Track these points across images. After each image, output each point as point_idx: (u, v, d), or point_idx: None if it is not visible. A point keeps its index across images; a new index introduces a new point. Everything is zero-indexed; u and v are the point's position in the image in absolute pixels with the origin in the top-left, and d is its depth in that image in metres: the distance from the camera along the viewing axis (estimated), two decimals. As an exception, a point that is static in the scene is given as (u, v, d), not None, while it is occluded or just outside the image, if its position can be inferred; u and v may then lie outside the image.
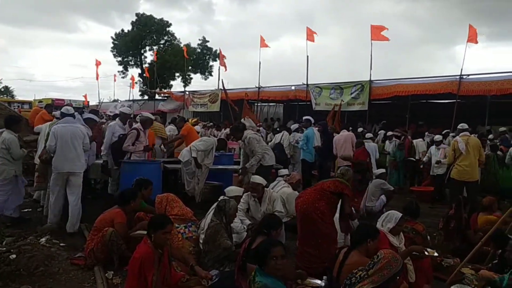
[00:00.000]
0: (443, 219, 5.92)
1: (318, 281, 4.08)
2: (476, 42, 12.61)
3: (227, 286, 3.88)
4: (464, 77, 12.34)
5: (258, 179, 6.14)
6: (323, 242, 4.74)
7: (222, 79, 16.70)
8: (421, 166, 10.50)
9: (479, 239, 5.18)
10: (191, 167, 7.40)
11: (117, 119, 8.16)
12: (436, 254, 4.62)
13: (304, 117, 10.34)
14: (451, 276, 4.69)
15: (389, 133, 11.81)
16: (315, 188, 4.90)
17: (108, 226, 4.68)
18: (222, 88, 15.58)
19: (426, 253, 4.51)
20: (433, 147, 9.79)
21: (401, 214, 4.75)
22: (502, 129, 12.39)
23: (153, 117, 8.20)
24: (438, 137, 10.02)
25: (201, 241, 4.71)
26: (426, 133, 12.78)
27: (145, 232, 4.40)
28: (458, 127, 8.28)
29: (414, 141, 11.42)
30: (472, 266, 4.87)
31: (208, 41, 38.89)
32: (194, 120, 14.52)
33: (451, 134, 10.92)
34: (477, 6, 57.69)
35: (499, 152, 9.86)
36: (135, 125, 7.77)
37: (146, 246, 3.66)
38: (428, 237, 5.34)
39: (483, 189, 9.66)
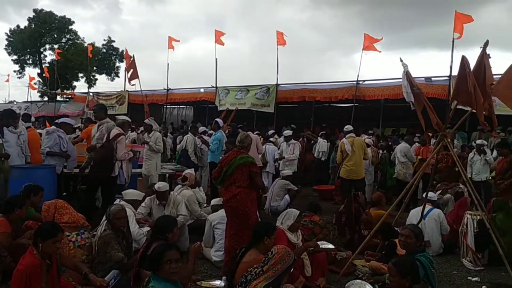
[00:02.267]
0: (335, 215, 6.31)
1: (217, 282, 4.12)
2: (375, 50, 13.53)
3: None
4: (360, 82, 13.22)
5: (163, 187, 5.96)
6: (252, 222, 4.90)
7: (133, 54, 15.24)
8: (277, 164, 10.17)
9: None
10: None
11: None
12: (331, 246, 4.90)
13: (215, 120, 10.27)
14: (344, 268, 4.99)
15: (286, 132, 10.95)
16: (237, 185, 4.94)
17: (-11, 237, 4.26)
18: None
19: (322, 247, 4.78)
20: (284, 143, 9.52)
21: (299, 212, 4.98)
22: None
23: (129, 120, 7.60)
24: (287, 133, 9.76)
25: (96, 248, 4.49)
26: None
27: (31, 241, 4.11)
28: (344, 129, 8.68)
29: (319, 139, 11.91)
30: (365, 256, 5.25)
31: (114, 41, 37.23)
32: None
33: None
34: (373, 16, 62.35)
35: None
36: (116, 129, 6.87)
37: (32, 256, 3.40)
38: (326, 224, 5.70)
39: (380, 186, 10.48)
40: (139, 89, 14.68)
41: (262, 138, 11.12)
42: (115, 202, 4.94)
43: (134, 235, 4.92)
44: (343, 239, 6.07)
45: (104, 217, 4.82)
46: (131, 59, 14.53)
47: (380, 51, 13.47)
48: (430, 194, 5.96)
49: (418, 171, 5.92)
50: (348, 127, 8.51)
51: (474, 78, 4.59)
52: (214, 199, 6.19)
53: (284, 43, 14.85)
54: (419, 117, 5.55)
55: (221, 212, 5.55)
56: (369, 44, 13.56)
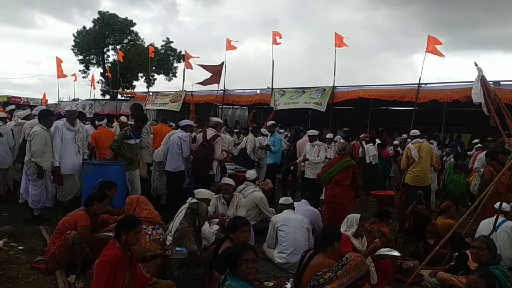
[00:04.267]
0: (399, 223, 6.17)
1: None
2: (438, 53, 12.98)
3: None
4: (422, 85, 12.77)
5: (228, 180, 6.18)
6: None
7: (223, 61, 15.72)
8: (291, 168, 9.44)
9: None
10: (163, 166, 7.36)
11: (64, 119, 7.03)
12: (397, 253, 4.78)
13: (270, 122, 10.35)
14: (411, 277, 4.88)
15: (310, 132, 9.59)
16: (341, 184, 6.31)
17: (71, 228, 4.53)
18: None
19: (387, 253, 4.69)
20: (308, 145, 8.70)
21: (359, 215, 4.95)
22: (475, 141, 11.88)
23: (221, 121, 8.19)
24: (312, 132, 8.97)
25: (168, 242, 4.66)
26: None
27: (110, 234, 4.34)
28: (410, 133, 8.45)
29: (365, 145, 11.58)
30: (432, 271, 5.08)
31: (172, 42, 38.48)
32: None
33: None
34: (434, 16, 60.14)
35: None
36: (211, 131, 7.39)
37: (116, 249, 3.59)
38: (394, 237, 5.58)
39: (445, 195, 10.05)
40: (197, 90, 15.08)
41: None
42: (188, 201, 5.10)
43: (205, 233, 5.08)
44: (410, 248, 5.91)
45: (177, 213, 5.01)
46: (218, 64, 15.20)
47: (444, 56, 12.94)
48: (503, 205, 5.67)
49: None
50: (415, 132, 8.25)
51: None
52: (282, 198, 6.16)
53: (343, 45, 14.61)
54: (494, 122, 5.31)
55: (285, 214, 5.60)
56: (432, 46, 13.08)
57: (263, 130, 10.30)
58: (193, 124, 8.64)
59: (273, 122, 10.30)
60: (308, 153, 8.57)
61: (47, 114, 6.59)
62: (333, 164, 6.54)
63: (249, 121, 15.55)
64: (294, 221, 5.44)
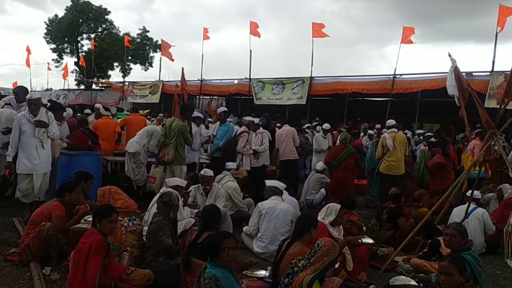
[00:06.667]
0: (378, 211, 6.27)
1: (263, 272, 4.19)
2: (411, 42, 13.28)
3: (171, 279, 3.86)
4: (397, 76, 12.97)
5: (209, 171, 6.15)
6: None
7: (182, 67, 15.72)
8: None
9: (409, 227, 5.57)
10: (139, 158, 7.30)
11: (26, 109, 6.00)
12: (371, 241, 4.89)
13: (221, 109, 8.70)
14: (386, 264, 4.99)
15: (245, 118, 9.25)
16: (348, 168, 7.79)
17: (46, 219, 4.44)
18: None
19: (362, 241, 4.79)
20: (252, 133, 8.13)
21: (339, 206, 5.00)
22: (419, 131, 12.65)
23: (256, 120, 8.45)
24: (255, 120, 8.44)
25: (144, 233, 4.62)
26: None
27: (85, 226, 4.30)
28: (386, 123, 8.58)
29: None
30: (405, 258, 5.20)
31: (148, 31, 37.76)
32: (146, 112, 14.04)
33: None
34: (408, 7, 60.92)
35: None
36: (242, 128, 8.10)
37: (95, 234, 3.58)
38: (364, 228, 5.66)
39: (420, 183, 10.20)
40: (173, 79, 14.88)
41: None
42: (161, 190, 5.07)
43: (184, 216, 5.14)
44: (385, 235, 6.03)
45: (151, 204, 4.98)
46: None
47: (415, 42, 13.25)
48: (475, 192, 5.84)
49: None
50: (390, 122, 8.35)
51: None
52: (271, 181, 6.02)
53: (322, 35, 14.64)
54: (462, 113, 5.46)
55: (272, 202, 5.51)
56: (407, 37, 13.30)
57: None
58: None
59: (224, 109, 8.84)
60: (253, 142, 8.05)
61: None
62: (339, 152, 7.91)
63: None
64: (279, 211, 5.32)
